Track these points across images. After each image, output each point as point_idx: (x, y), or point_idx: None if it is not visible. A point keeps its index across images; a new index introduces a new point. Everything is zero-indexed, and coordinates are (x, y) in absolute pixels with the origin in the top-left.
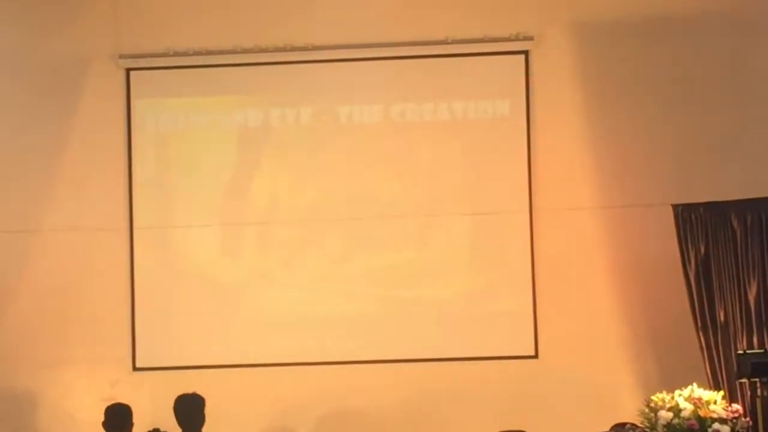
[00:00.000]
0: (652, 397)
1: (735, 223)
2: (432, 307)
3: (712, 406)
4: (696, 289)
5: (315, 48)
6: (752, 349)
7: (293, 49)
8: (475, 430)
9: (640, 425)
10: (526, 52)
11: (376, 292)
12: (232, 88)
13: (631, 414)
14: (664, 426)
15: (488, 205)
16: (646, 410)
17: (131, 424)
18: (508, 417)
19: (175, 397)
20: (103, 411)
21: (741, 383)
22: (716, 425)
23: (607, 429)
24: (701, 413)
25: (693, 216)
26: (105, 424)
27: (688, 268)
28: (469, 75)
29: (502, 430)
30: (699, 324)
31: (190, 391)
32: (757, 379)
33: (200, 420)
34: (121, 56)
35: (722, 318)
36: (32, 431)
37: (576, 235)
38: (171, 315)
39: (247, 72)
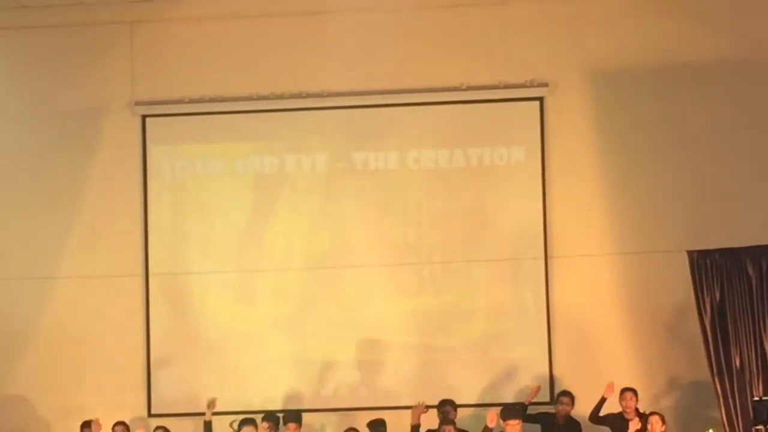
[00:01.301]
0: None
1: (750, 270)
2: (447, 353)
3: None
4: (711, 335)
5: (330, 94)
6: None
7: (309, 95)
8: None
9: None
10: (541, 99)
11: (391, 339)
12: (248, 135)
13: None
14: None
15: (503, 252)
16: None
17: None
18: None
19: None
20: None
21: (757, 430)
22: None
23: None
24: None
25: (708, 262)
26: None
27: (703, 314)
28: (485, 121)
29: None
30: (715, 370)
31: None
32: None
33: None
34: (137, 103)
35: (738, 364)
36: None
37: (592, 281)
38: (186, 361)
39: (262, 119)
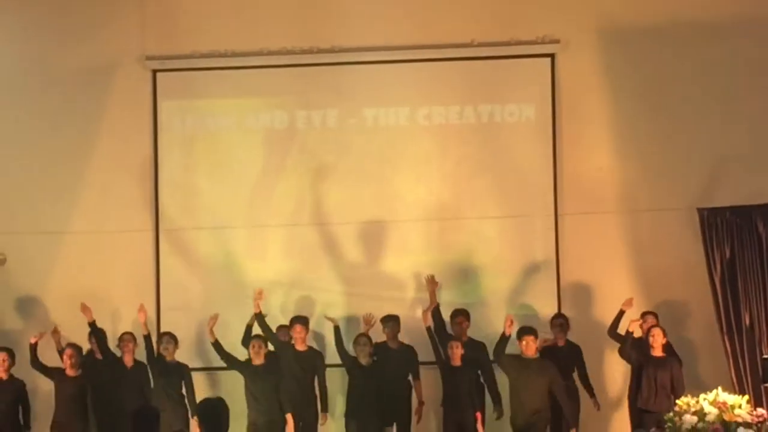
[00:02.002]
0: (677, 402)
1: (761, 227)
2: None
3: (737, 410)
4: (721, 293)
5: (341, 50)
6: None
7: (319, 51)
8: None
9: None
10: (552, 56)
11: (400, 295)
12: (259, 91)
13: None
14: (689, 430)
15: (513, 209)
16: (671, 414)
17: None
18: None
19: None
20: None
21: (766, 387)
22: (741, 429)
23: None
24: (726, 417)
25: (719, 220)
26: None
27: (713, 271)
28: (495, 78)
29: None
30: (724, 328)
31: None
32: None
33: (224, 425)
34: (147, 58)
35: (747, 322)
36: None
37: (602, 238)
38: (195, 316)
39: (273, 74)
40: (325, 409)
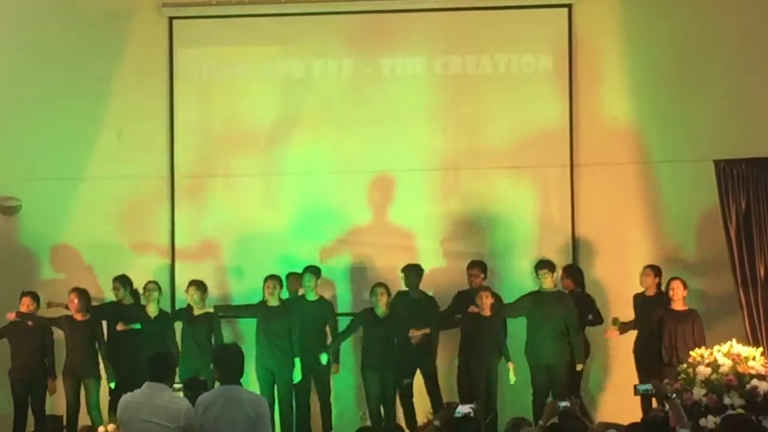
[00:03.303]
0: (691, 353)
1: None
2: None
3: (750, 362)
4: (736, 246)
5: None
6: None
7: None
8: None
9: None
10: (569, 6)
11: (417, 245)
12: (275, 39)
13: None
14: (703, 381)
15: (529, 159)
16: (685, 366)
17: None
18: None
19: None
20: None
21: None
22: (754, 381)
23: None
24: (740, 369)
25: (734, 171)
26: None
27: (728, 224)
28: (512, 28)
29: None
30: (739, 280)
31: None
32: None
33: (238, 370)
34: (164, 5)
35: (762, 274)
36: None
37: (617, 189)
38: (211, 263)
39: (289, 22)
40: (336, 359)
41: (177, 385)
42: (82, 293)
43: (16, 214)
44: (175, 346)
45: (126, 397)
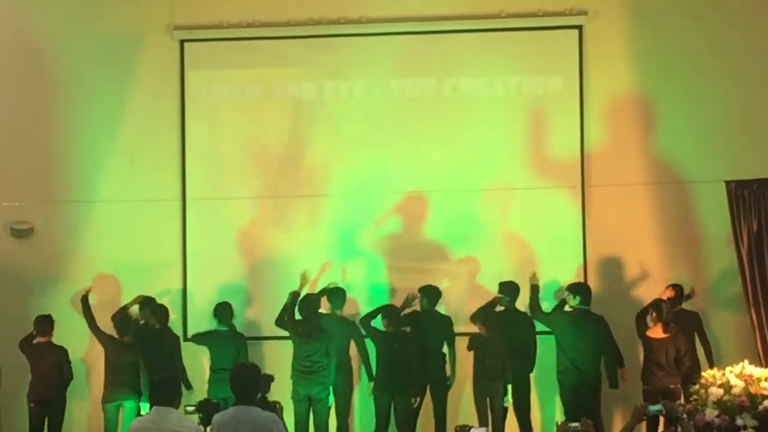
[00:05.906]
0: (703, 374)
1: None
2: (484, 280)
3: (763, 383)
4: (748, 266)
5: (369, 21)
6: None
7: (347, 22)
8: None
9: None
10: (580, 27)
11: (427, 267)
12: (286, 61)
13: None
14: (715, 402)
15: (541, 180)
16: (697, 386)
17: None
18: None
19: None
20: None
21: None
22: (767, 402)
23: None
24: (752, 390)
25: (746, 192)
26: None
27: (740, 244)
28: (523, 49)
29: None
30: (751, 300)
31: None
32: None
33: (254, 389)
34: (175, 28)
35: None
36: None
37: (628, 211)
38: (222, 286)
39: (300, 45)
40: (370, 378)
41: (190, 408)
42: (126, 316)
43: (29, 237)
44: (182, 366)
45: (134, 423)
